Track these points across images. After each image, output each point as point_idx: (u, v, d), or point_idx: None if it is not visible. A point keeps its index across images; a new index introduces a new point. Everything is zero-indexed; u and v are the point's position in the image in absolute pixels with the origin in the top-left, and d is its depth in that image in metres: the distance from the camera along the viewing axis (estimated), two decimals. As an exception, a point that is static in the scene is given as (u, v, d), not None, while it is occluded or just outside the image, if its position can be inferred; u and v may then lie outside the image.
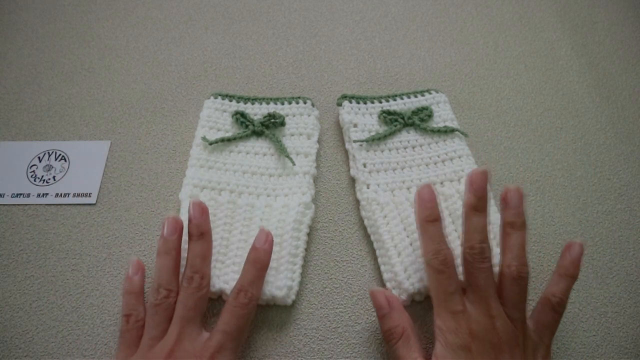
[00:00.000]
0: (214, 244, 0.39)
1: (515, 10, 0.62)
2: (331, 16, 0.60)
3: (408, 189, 0.43)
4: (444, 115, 0.48)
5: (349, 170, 0.46)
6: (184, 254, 0.37)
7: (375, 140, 0.45)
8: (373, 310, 0.37)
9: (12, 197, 0.44)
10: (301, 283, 0.40)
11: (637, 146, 0.50)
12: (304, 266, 0.40)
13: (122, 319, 0.35)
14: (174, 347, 0.33)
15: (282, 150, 0.44)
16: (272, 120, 0.46)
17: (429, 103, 0.49)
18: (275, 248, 0.38)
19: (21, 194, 0.44)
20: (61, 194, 0.45)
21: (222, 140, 0.45)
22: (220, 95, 0.48)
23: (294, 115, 0.48)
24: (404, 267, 0.38)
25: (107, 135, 0.49)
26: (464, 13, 0.61)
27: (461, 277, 0.35)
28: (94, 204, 0.44)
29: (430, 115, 0.48)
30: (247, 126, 0.46)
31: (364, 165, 0.44)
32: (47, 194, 0.45)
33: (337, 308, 0.39)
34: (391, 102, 0.49)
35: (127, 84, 0.53)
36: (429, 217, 0.35)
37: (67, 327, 0.38)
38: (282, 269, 0.38)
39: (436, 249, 0.34)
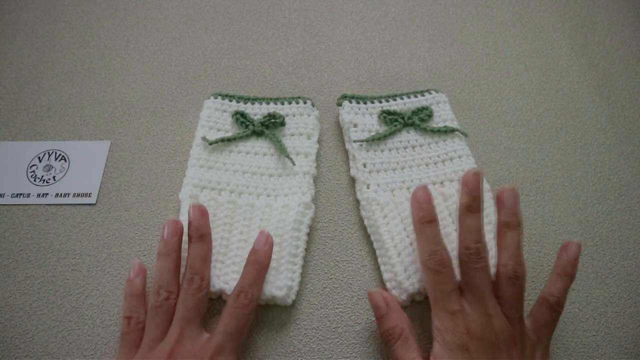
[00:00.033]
0: (214, 244, 0.39)
1: (515, 10, 0.62)
2: (331, 16, 0.60)
3: (408, 189, 0.43)
4: (444, 115, 0.48)
5: (349, 170, 0.46)
6: (184, 255, 0.37)
7: (375, 140, 0.45)
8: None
9: (12, 197, 0.44)
10: (301, 283, 0.40)
11: (637, 146, 0.50)
12: (304, 266, 0.40)
13: (123, 321, 0.35)
14: (175, 348, 0.33)
15: (282, 150, 0.44)
16: (272, 120, 0.46)
17: (429, 103, 0.49)
18: (275, 248, 0.38)
19: (21, 194, 0.44)
20: (61, 194, 0.45)
21: (222, 140, 0.45)
22: (220, 95, 0.48)
23: (294, 115, 0.48)
24: (404, 267, 0.38)
25: (107, 135, 0.49)
26: (464, 13, 0.61)
27: (459, 277, 0.35)
28: (94, 204, 0.44)
29: (430, 115, 0.48)
30: (247, 126, 0.46)
31: (364, 165, 0.44)
32: (47, 194, 0.45)
33: (337, 308, 0.39)
34: (391, 102, 0.49)
35: (127, 84, 0.53)
36: (425, 219, 0.35)
37: (67, 327, 0.38)
38: (282, 269, 0.38)
39: (432, 250, 0.34)
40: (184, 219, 0.39)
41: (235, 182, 0.43)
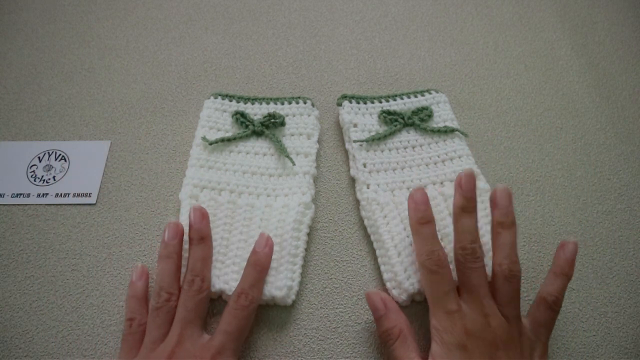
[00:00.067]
0: (214, 244, 0.39)
1: (515, 10, 0.62)
2: (331, 16, 0.60)
3: (408, 189, 0.43)
4: (444, 115, 0.48)
5: (349, 170, 0.46)
6: (184, 257, 0.38)
7: (375, 140, 0.45)
8: (373, 310, 0.37)
9: (12, 197, 0.44)
10: (301, 283, 0.40)
11: (637, 146, 0.50)
12: (304, 266, 0.40)
13: (125, 322, 0.35)
14: (175, 349, 0.33)
15: (282, 150, 0.44)
16: (272, 120, 0.46)
17: (429, 103, 0.49)
18: (275, 248, 0.38)
19: (21, 194, 0.44)
20: (61, 194, 0.45)
21: (222, 140, 0.45)
22: (220, 95, 0.48)
23: (294, 115, 0.48)
24: (404, 267, 0.38)
25: (107, 135, 0.49)
26: (464, 13, 0.61)
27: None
28: (94, 204, 0.44)
29: (430, 115, 0.48)
30: (247, 126, 0.46)
31: (364, 165, 0.44)
32: (47, 194, 0.45)
33: (337, 308, 0.39)
34: (391, 102, 0.49)
35: (127, 84, 0.53)
36: (422, 220, 0.36)
37: (67, 327, 0.38)
38: (282, 269, 0.38)
39: (429, 250, 0.35)
40: (184, 219, 0.39)
41: (235, 182, 0.43)
